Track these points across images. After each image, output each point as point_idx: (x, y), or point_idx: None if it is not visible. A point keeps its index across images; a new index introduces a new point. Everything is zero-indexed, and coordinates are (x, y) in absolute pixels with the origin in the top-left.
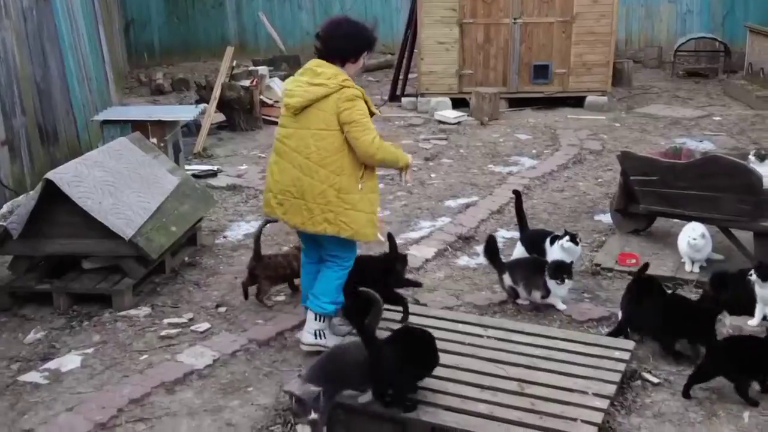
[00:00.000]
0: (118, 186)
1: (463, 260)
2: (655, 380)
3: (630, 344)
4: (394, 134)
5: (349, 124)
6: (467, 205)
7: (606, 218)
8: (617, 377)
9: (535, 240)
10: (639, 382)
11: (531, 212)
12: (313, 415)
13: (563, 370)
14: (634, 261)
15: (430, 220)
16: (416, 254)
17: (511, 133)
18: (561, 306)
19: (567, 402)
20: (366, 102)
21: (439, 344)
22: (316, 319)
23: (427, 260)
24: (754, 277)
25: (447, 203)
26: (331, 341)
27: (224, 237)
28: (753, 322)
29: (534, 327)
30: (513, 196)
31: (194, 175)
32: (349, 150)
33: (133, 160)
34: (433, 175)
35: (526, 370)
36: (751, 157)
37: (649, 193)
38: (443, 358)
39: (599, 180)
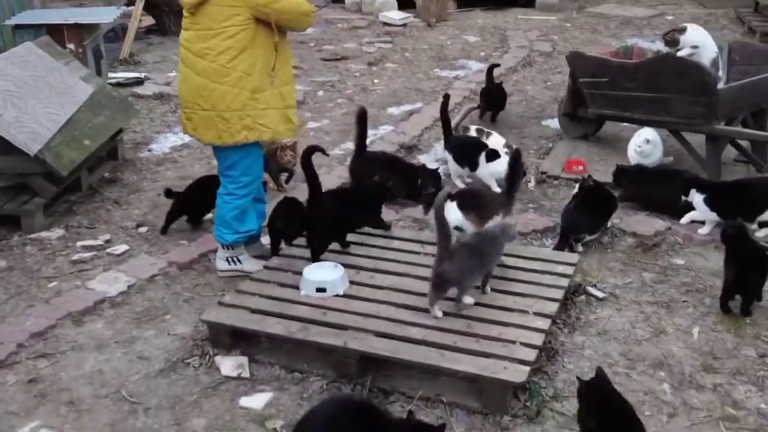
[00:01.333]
0: (22, 96)
1: None
2: (601, 294)
3: (574, 257)
4: (336, 38)
5: (266, 6)
6: (411, 113)
7: (554, 123)
8: (560, 294)
9: (460, 147)
10: (583, 297)
11: (476, 118)
12: None
13: (502, 287)
14: (581, 168)
15: (371, 128)
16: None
17: (459, 35)
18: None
19: (506, 323)
20: None
21: (374, 263)
22: (223, 247)
23: None
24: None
25: (390, 110)
26: (248, 265)
27: (149, 150)
28: (702, 230)
29: None
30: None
31: (119, 84)
32: (259, 43)
33: (41, 67)
34: (376, 81)
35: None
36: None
37: (599, 95)
38: (376, 278)
39: (548, 83)
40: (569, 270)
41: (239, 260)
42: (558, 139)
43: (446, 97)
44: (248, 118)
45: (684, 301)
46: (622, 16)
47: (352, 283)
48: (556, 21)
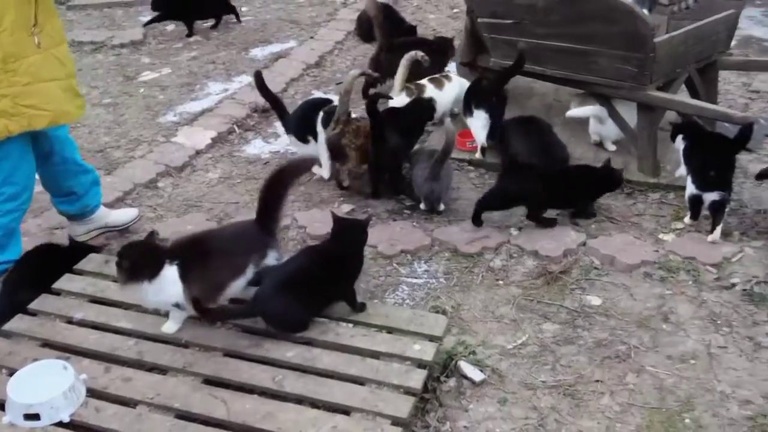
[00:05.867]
0: None
1: (254, 147)
2: (478, 376)
3: (441, 324)
4: None
5: None
6: (278, 56)
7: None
8: (406, 407)
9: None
10: (454, 380)
11: (348, 65)
12: None
13: (325, 397)
14: (476, 143)
15: (222, 81)
16: (185, 142)
17: None
18: None
19: None
20: None
21: (138, 348)
22: None
23: (197, 152)
24: None
25: (253, 52)
26: None
27: None
28: None
29: None
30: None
31: None
32: None
33: None
34: (244, 9)
35: (258, 402)
36: None
37: (501, 42)
38: (136, 379)
39: (455, 11)
40: (428, 352)
41: None
42: None
43: (258, 75)
44: (4, 100)
45: (597, 381)
46: None
47: (91, 394)
48: None
